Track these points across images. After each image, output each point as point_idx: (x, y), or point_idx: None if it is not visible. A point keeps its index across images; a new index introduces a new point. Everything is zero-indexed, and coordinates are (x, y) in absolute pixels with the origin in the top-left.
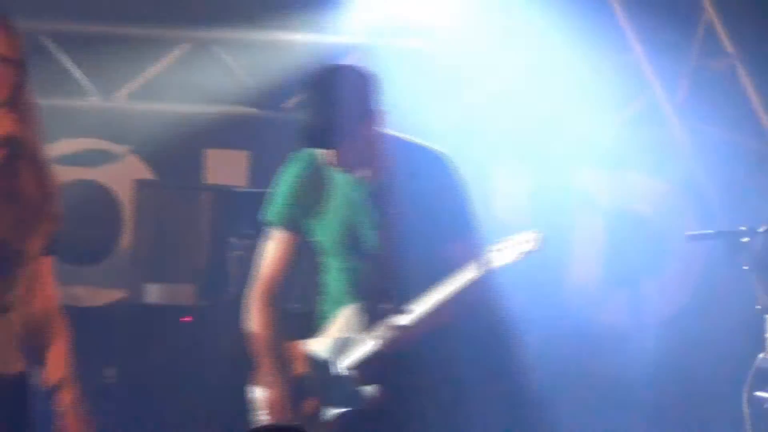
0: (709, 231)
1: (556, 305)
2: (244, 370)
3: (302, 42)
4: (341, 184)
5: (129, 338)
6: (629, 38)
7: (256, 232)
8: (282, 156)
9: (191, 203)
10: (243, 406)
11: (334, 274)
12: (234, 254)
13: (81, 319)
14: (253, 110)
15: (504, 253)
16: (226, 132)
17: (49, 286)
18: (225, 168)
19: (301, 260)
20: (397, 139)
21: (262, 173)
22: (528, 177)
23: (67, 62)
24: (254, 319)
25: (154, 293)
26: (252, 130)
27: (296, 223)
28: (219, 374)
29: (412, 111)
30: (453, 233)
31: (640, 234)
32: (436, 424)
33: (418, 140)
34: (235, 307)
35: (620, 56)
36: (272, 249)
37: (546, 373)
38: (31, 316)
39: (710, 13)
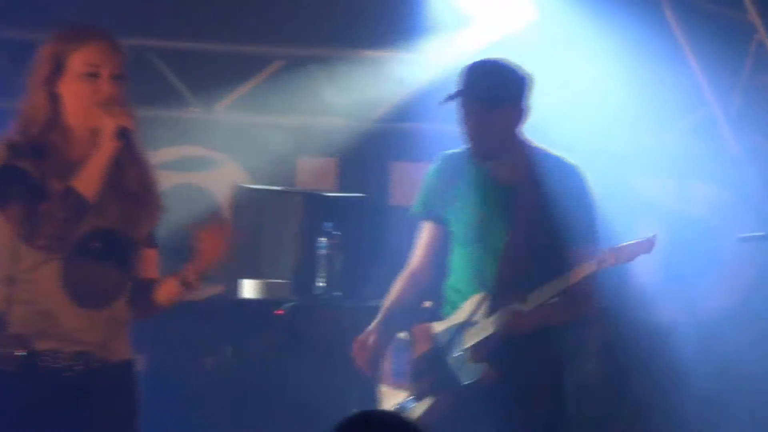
0: (760, 233)
1: (619, 302)
2: (328, 358)
3: (389, 58)
4: (478, 180)
5: (226, 329)
6: (687, 54)
7: (342, 232)
8: (366, 163)
9: (284, 206)
10: (327, 390)
11: (462, 263)
12: (322, 253)
13: (183, 311)
14: (341, 121)
15: (620, 254)
16: (316, 141)
17: (153, 275)
18: (315, 174)
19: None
20: (533, 145)
21: (349, 179)
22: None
23: (172, 77)
24: (390, 291)
25: (249, 288)
26: (340, 139)
27: (436, 214)
28: (306, 361)
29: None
30: (577, 237)
31: (697, 236)
32: (540, 405)
33: (551, 150)
34: (321, 301)
35: (678, 71)
36: (419, 237)
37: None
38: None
39: (761, 32)
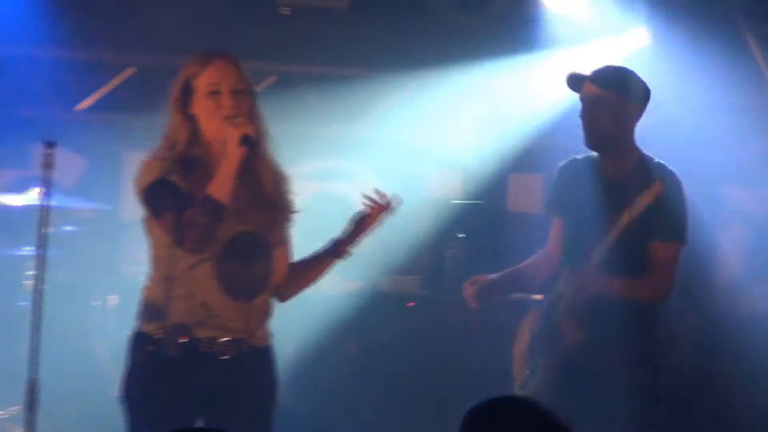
0: None
1: (705, 297)
2: (453, 344)
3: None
4: (590, 175)
5: (365, 317)
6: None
7: (466, 234)
8: (488, 174)
9: (416, 211)
10: (453, 373)
11: (569, 248)
12: (449, 253)
13: (330, 303)
14: (469, 136)
15: None
16: (444, 154)
17: (283, 271)
18: (444, 184)
19: None
20: (642, 151)
21: (472, 188)
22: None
23: (319, 98)
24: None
25: (386, 283)
26: (467, 153)
27: (560, 211)
28: (433, 346)
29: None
30: (664, 233)
31: None
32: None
33: (655, 157)
34: (448, 295)
35: (761, 94)
36: (551, 231)
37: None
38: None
39: None
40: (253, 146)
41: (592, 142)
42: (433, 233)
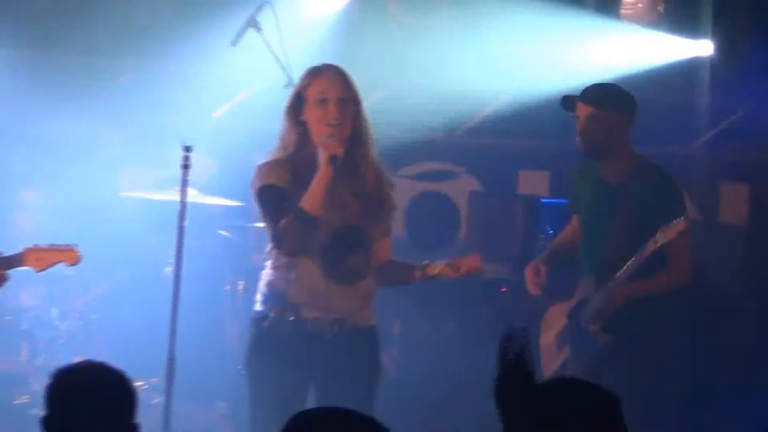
0: None
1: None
2: (536, 325)
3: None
4: (593, 179)
5: (464, 300)
6: None
7: (554, 228)
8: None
9: (509, 207)
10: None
11: (583, 246)
12: (539, 245)
13: (433, 286)
14: (551, 143)
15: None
16: (534, 157)
17: (387, 262)
18: (532, 183)
19: None
20: (638, 154)
21: (558, 187)
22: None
23: (425, 109)
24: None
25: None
26: (551, 156)
27: (575, 209)
28: (537, 326)
29: None
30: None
31: None
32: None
33: (651, 159)
34: None
35: None
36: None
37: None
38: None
39: None
40: (357, 149)
41: (589, 152)
42: (524, 225)
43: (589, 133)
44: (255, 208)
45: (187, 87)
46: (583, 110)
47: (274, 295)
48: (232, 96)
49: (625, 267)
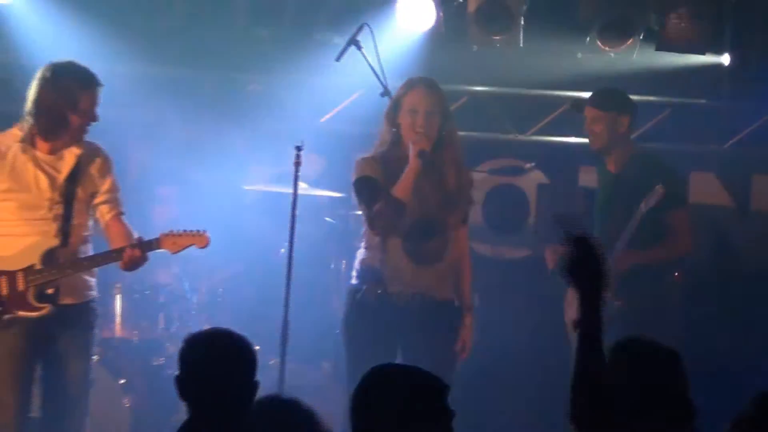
0: None
1: None
2: None
3: None
4: (604, 173)
5: (528, 280)
6: None
7: None
8: None
9: (570, 197)
10: None
11: (595, 231)
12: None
13: (505, 266)
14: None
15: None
16: (590, 154)
17: (464, 245)
18: (589, 177)
19: None
20: (637, 147)
21: None
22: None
23: (500, 113)
24: None
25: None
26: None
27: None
28: None
29: None
30: (677, 205)
31: None
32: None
33: (648, 150)
34: None
35: None
36: None
37: None
38: (453, 262)
39: None
40: (425, 158)
41: (594, 148)
42: (583, 213)
43: (595, 131)
44: (353, 196)
45: (300, 96)
46: (589, 112)
47: (366, 271)
48: (337, 103)
49: (621, 237)
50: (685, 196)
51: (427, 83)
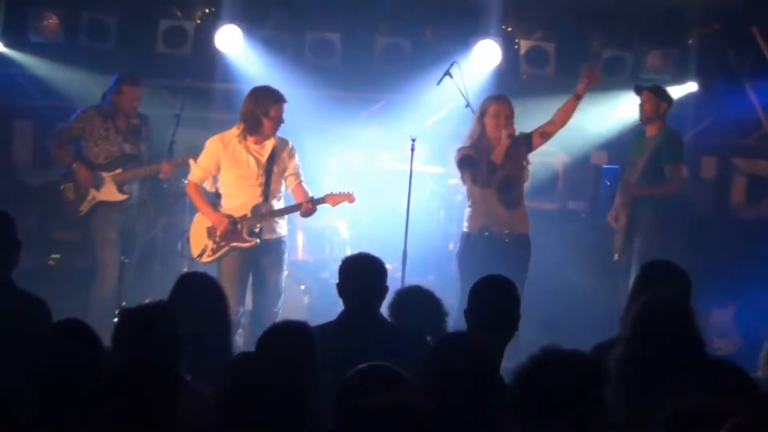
0: None
1: None
2: None
3: None
4: (641, 136)
5: (560, 220)
6: None
7: (610, 181)
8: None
9: (587, 170)
10: None
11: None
12: (602, 188)
13: (540, 214)
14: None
15: None
16: (599, 142)
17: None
18: (599, 157)
19: None
20: (666, 122)
21: (612, 160)
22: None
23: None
24: None
25: None
26: (608, 142)
27: (629, 155)
28: None
29: None
30: (673, 159)
31: None
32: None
33: (673, 127)
34: None
35: None
36: None
37: None
38: (525, 207)
39: None
40: (514, 139)
41: (643, 118)
42: (594, 181)
43: (646, 107)
44: (455, 169)
45: (414, 107)
46: (645, 95)
47: (473, 220)
48: (438, 112)
49: (635, 173)
50: (682, 155)
51: (504, 98)
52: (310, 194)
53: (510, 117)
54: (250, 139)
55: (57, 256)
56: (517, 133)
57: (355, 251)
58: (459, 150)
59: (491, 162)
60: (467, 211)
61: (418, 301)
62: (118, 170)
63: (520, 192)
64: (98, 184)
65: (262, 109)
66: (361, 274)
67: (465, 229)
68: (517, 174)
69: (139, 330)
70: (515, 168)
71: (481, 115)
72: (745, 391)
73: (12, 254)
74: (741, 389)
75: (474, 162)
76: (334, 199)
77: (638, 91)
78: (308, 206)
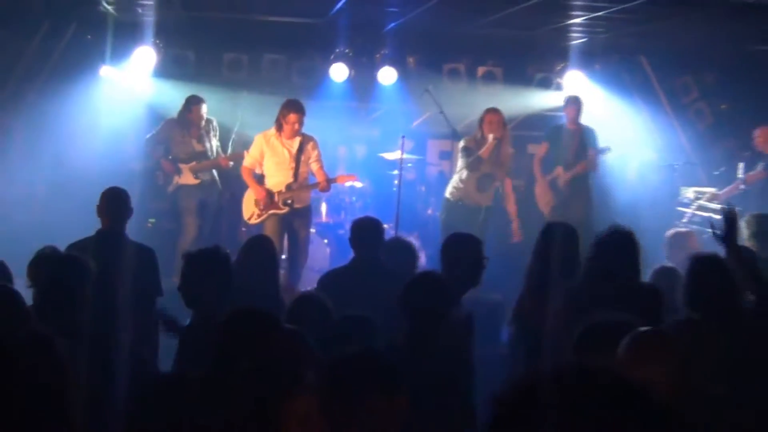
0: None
1: None
2: None
3: None
4: (562, 128)
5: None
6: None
7: None
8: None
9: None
10: None
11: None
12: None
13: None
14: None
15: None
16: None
17: (510, 187)
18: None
19: None
20: (582, 122)
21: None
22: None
23: None
24: None
25: None
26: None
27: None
28: None
29: None
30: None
31: None
32: None
33: (586, 124)
34: None
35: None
36: None
37: None
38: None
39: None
40: (499, 141)
41: (570, 122)
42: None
43: (568, 115)
44: (458, 158)
45: (404, 115)
46: (571, 105)
47: (454, 192)
48: (419, 118)
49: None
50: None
51: (496, 110)
52: (325, 175)
53: (499, 124)
54: (283, 136)
55: (153, 220)
56: (509, 136)
57: (362, 215)
58: (463, 140)
59: (479, 155)
60: (452, 185)
61: (399, 247)
62: (193, 163)
63: (493, 182)
64: (179, 173)
65: (282, 116)
66: (366, 230)
67: (448, 196)
68: (493, 171)
69: (197, 266)
70: (494, 165)
71: (481, 121)
72: (654, 310)
73: (127, 217)
74: (650, 308)
75: (470, 152)
76: (342, 179)
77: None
78: (324, 184)
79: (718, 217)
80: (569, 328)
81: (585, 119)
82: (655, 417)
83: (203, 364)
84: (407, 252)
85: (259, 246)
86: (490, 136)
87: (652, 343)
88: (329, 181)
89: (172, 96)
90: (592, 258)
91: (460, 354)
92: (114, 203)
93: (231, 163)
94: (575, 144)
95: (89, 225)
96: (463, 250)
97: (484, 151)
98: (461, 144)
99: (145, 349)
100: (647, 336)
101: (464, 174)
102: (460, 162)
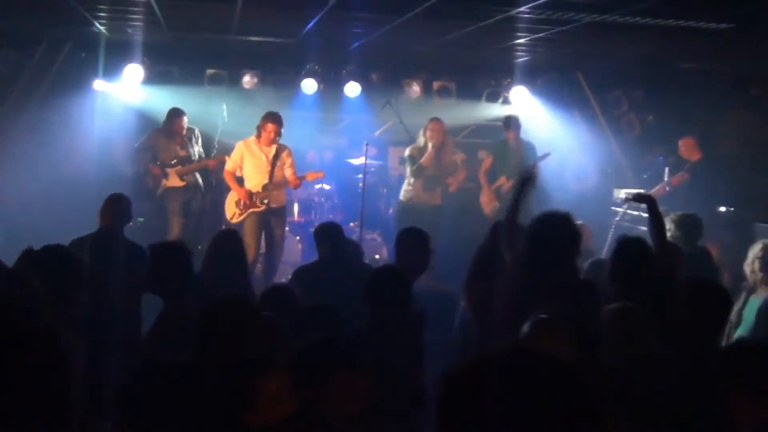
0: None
1: None
2: None
3: None
4: (504, 143)
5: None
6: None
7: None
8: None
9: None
10: None
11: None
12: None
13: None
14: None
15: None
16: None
17: (456, 182)
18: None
19: None
20: (524, 137)
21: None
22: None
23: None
24: None
25: None
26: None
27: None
28: None
29: None
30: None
31: None
32: None
33: (528, 139)
34: None
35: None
36: None
37: None
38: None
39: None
40: (438, 150)
41: (512, 140)
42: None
43: (511, 135)
44: (397, 162)
45: (367, 123)
46: (511, 128)
47: (405, 194)
48: (381, 127)
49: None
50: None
51: (437, 119)
52: (298, 175)
53: (440, 132)
54: (261, 143)
55: (142, 219)
56: (450, 143)
57: (329, 217)
58: (408, 149)
59: (421, 164)
60: (404, 188)
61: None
62: (179, 167)
63: (438, 183)
64: (166, 176)
65: (262, 125)
66: (325, 231)
67: (401, 197)
68: (436, 174)
69: (159, 256)
70: (437, 169)
71: (423, 131)
72: (586, 301)
73: (126, 221)
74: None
75: (413, 160)
76: (311, 175)
77: (504, 124)
78: (295, 182)
79: (645, 215)
80: (509, 310)
81: (529, 128)
82: (579, 391)
83: (176, 348)
84: (352, 247)
85: (225, 239)
86: (429, 145)
87: (548, 327)
88: (300, 179)
89: (159, 106)
90: (530, 235)
91: (413, 341)
92: (116, 206)
93: (216, 163)
94: (518, 157)
95: (85, 226)
96: (412, 242)
97: (424, 160)
98: (406, 152)
99: (138, 336)
100: (544, 321)
101: (411, 179)
102: (407, 169)
